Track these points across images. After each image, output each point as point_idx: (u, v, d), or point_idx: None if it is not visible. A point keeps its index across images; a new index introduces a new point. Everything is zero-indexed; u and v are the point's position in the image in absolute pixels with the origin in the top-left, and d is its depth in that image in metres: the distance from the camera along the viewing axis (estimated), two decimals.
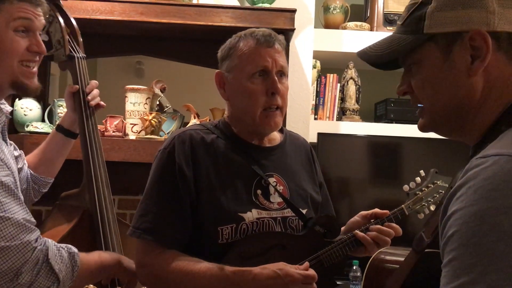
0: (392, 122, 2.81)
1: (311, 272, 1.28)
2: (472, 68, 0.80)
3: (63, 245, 1.28)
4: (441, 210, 0.75)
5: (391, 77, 3.20)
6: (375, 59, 0.92)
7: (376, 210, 1.47)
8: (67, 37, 1.60)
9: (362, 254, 1.46)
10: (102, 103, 1.64)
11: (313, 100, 2.77)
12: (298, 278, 1.24)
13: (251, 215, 1.36)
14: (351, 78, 2.84)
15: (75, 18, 1.71)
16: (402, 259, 1.12)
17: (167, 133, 2.43)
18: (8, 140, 1.39)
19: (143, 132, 2.35)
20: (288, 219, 1.42)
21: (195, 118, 2.39)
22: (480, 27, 0.79)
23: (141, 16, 2.27)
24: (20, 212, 1.20)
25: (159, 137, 2.33)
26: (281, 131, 1.55)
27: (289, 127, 2.54)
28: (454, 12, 0.81)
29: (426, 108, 0.88)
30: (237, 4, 2.45)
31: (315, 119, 2.78)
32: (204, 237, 1.34)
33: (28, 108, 2.31)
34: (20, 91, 1.34)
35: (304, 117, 2.59)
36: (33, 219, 1.25)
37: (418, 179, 1.57)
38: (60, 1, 1.62)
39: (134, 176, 2.42)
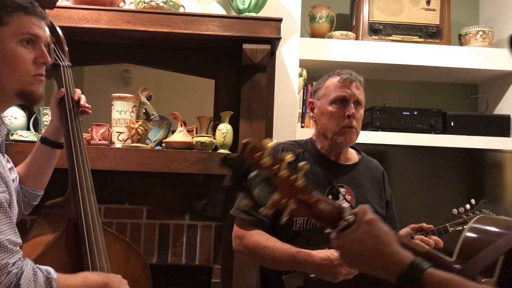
0: (377, 130, 2.84)
1: None
2: None
3: (43, 268, 1.28)
4: None
5: (377, 86, 3.24)
6: None
7: (423, 224, 1.74)
8: (52, 46, 1.59)
9: None
10: (87, 110, 1.64)
11: (300, 108, 2.78)
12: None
13: None
14: None
15: (61, 27, 1.70)
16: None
17: (154, 141, 2.42)
18: (3, 152, 1.40)
19: (129, 140, 2.35)
20: None
21: (181, 126, 2.39)
22: None
23: (127, 24, 2.27)
24: (6, 232, 1.21)
25: (145, 146, 2.32)
26: (359, 154, 1.92)
27: (276, 135, 2.55)
28: None
29: None
30: (224, 13, 2.46)
31: (302, 127, 2.79)
32: (282, 224, 1.58)
33: (13, 116, 2.29)
34: (27, 99, 1.37)
35: (291, 125, 2.60)
36: (18, 240, 1.25)
37: (467, 206, 1.86)
38: (46, 10, 1.61)
39: (120, 184, 2.41)
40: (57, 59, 1.59)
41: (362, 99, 1.82)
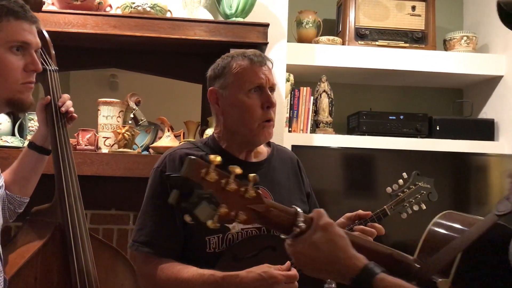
0: (364, 135, 2.86)
1: (293, 272, 1.37)
2: None
3: None
4: None
5: (363, 90, 3.27)
6: None
7: (359, 211, 1.56)
8: (39, 50, 1.58)
9: None
10: (74, 114, 1.61)
11: (287, 113, 2.79)
12: (281, 279, 1.33)
13: (236, 225, 1.42)
14: (324, 91, 2.88)
15: (47, 31, 1.69)
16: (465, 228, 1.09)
17: (141, 146, 2.41)
18: None
19: (116, 146, 2.33)
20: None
21: (169, 131, 2.39)
22: None
23: (114, 29, 2.26)
24: None
25: (132, 151, 2.31)
26: (269, 144, 1.66)
27: None
28: None
29: None
30: (211, 18, 2.46)
31: (289, 131, 2.80)
32: (194, 246, 1.46)
33: None
34: (16, 107, 1.34)
35: (278, 130, 2.60)
36: None
37: (400, 181, 1.65)
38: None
39: (106, 190, 2.40)
40: (44, 63, 1.58)
41: (275, 83, 1.57)
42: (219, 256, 1.44)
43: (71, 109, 1.59)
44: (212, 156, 0.89)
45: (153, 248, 1.44)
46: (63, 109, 1.56)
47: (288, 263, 1.39)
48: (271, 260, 1.39)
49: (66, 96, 1.61)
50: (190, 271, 1.38)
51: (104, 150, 2.34)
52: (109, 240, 2.31)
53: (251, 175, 0.91)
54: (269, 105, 1.49)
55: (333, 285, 2.32)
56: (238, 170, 0.90)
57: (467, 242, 0.95)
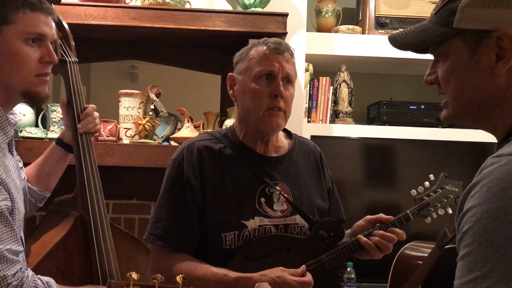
0: (384, 125, 2.83)
1: (308, 278, 1.36)
2: (496, 67, 0.80)
3: (44, 279, 1.25)
4: (458, 206, 0.78)
5: (383, 80, 3.23)
6: (405, 46, 0.95)
7: (381, 215, 1.51)
8: (59, 41, 1.59)
9: (365, 257, 1.52)
10: (97, 128, 1.61)
11: (306, 103, 2.78)
12: (294, 286, 1.33)
13: (253, 222, 1.46)
14: (344, 81, 2.86)
15: (68, 24, 1.71)
16: (426, 254, 1.12)
17: (161, 137, 2.43)
18: (14, 151, 1.39)
19: (136, 137, 2.36)
20: (290, 227, 1.51)
21: (188, 122, 2.40)
22: (509, 28, 0.79)
23: (134, 21, 2.28)
24: (6, 241, 1.18)
25: (152, 141, 2.33)
26: (290, 137, 1.63)
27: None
28: (486, 10, 0.80)
29: (449, 101, 0.89)
30: (230, 8, 2.46)
31: (308, 122, 2.79)
32: (210, 242, 1.46)
33: (21, 113, 2.30)
34: (32, 99, 1.35)
35: (297, 120, 2.60)
36: (19, 248, 1.22)
37: (426, 183, 1.58)
38: (52, 5, 1.62)
39: (128, 180, 2.43)
40: (64, 55, 1.59)
41: (293, 75, 1.49)
42: (235, 253, 1.43)
43: (87, 127, 1.58)
44: (128, 274, 0.90)
45: (167, 242, 1.44)
46: (80, 131, 1.55)
47: (303, 267, 1.39)
48: (285, 261, 1.39)
49: (91, 107, 1.59)
50: (204, 268, 1.38)
51: (125, 141, 2.37)
52: (130, 229, 2.35)
53: (178, 277, 0.91)
54: (276, 93, 1.44)
55: (352, 275, 2.32)
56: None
57: (422, 276, 0.97)
